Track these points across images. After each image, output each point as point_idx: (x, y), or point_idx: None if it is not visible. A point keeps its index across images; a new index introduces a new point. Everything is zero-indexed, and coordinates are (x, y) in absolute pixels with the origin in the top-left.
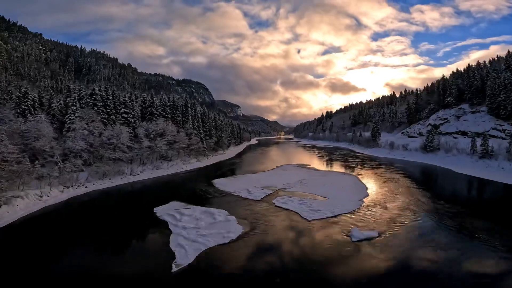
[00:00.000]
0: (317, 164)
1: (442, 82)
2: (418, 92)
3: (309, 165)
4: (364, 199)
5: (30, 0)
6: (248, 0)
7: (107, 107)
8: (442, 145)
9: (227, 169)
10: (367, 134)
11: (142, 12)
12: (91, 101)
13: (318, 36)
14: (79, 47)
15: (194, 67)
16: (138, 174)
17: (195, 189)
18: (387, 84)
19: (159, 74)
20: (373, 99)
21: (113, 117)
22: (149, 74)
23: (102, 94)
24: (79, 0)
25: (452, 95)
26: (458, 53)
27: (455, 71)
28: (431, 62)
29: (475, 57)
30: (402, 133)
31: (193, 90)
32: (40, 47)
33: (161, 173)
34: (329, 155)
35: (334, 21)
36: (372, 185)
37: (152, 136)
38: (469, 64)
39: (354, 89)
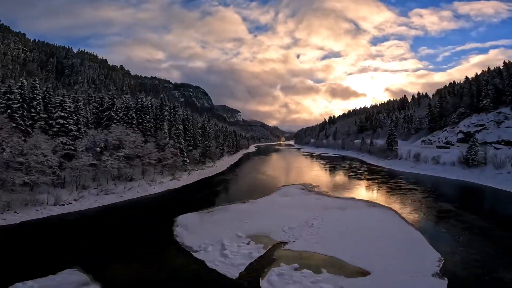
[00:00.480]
0: (327, 183)
1: (476, 82)
2: (443, 94)
3: (317, 186)
4: (442, 272)
5: (29, 4)
6: (246, 5)
7: (32, 110)
8: (490, 158)
9: (208, 191)
10: (379, 142)
11: (141, 16)
12: (3, 101)
13: (318, 41)
14: (67, 47)
15: (194, 72)
16: (70, 204)
17: (135, 238)
18: (387, 89)
19: (156, 77)
20: (373, 104)
21: (42, 123)
22: (145, 77)
23: (25, 93)
24: (77, 4)
25: (488, 97)
26: (457, 57)
27: (459, 75)
28: (431, 66)
29: (474, 61)
30: (422, 141)
31: (191, 94)
32: (20, 46)
33: (112, 200)
34: (338, 168)
35: (333, 26)
36: (429, 228)
37: (99, 149)
38: (509, 61)
39: (355, 94)
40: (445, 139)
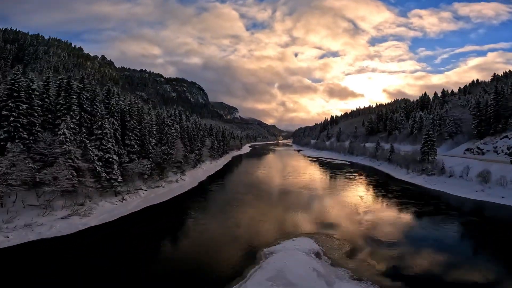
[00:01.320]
0: (350, 218)
1: None
2: (499, 88)
3: (333, 234)
4: None
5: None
6: (243, 2)
7: None
8: None
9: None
10: (403, 148)
11: (136, 11)
12: None
13: (316, 39)
14: (37, 34)
15: (190, 68)
16: None
17: None
18: (384, 91)
19: (145, 70)
20: (373, 105)
21: None
22: (132, 69)
23: None
24: None
25: None
26: (455, 60)
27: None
28: (429, 68)
29: (472, 64)
30: (467, 150)
31: (185, 89)
32: None
33: None
34: (357, 185)
35: (331, 25)
36: None
37: None
38: None
39: (352, 94)
40: (509, 148)
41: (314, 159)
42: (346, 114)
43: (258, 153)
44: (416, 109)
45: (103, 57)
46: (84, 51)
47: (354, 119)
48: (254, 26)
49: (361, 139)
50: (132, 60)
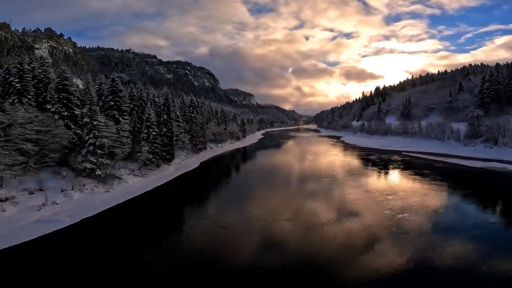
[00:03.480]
0: None
1: None
2: None
3: None
4: None
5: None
6: None
7: None
8: None
9: None
10: None
11: (131, 3)
12: None
13: (326, 22)
14: None
15: (197, 57)
16: None
17: None
18: (406, 71)
19: (130, 50)
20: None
21: None
22: (110, 49)
23: None
24: None
25: None
26: (480, 39)
27: None
28: (452, 47)
29: (499, 42)
30: None
31: (187, 72)
32: None
33: None
34: None
35: (341, 5)
36: None
37: None
38: None
39: (371, 76)
40: None
41: (377, 152)
42: (400, 83)
43: (268, 143)
44: None
45: (61, 34)
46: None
47: (414, 90)
48: (259, 11)
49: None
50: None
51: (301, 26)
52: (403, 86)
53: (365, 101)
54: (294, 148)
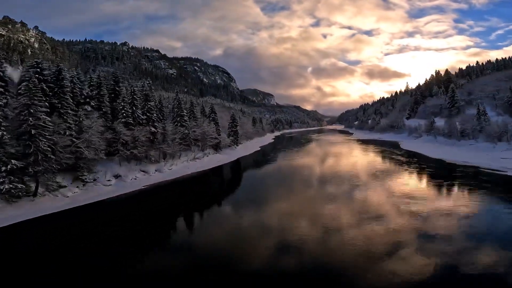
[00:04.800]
0: None
1: None
2: None
3: None
4: None
5: (36, 4)
6: None
7: None
8: None
9: None
10: None
11: (144, 6)
12: None
13: (343, 19)
14: None
15: (213, 58)
16: None
17: None
18: (434, 69)
19: (126, 43)
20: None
21: None
22: (99, 41)
23: None
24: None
25: None
26: None
27: None
28: (483, 44)
29: None
30: None
31: (196, 68)
32: None
33: None
34: None
35: (358, 2)
36: None
37: None
38: None
39: (396, 74)
40: None
41: None
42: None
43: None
44: None
45: (22, 23)
46: None
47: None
48: (272, 9)
49: None
50: None
51: (317, 24)
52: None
53: (419, 93)
54: (328, 185)
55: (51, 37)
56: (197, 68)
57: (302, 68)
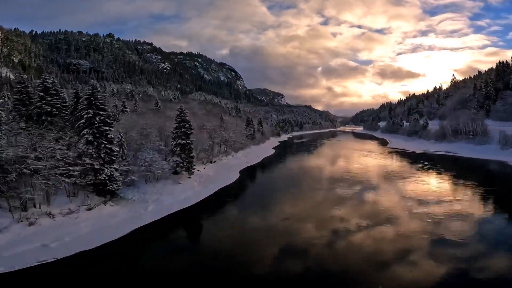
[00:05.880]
0: None
1: None
2: None
3: None
4: None
5: (42, 4)
6: None
7: None
8: None
9: None
10: None
11: (149, 5)
12: None
13: (353, 18)
14: None
15: (220, 57)
16: None
17: None
18: (450, 69)
19: (111, 34)
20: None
21: None
22: (75, 32)
23: None
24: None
25: None
26: None
27: None
28: (501, 43)
29: None
30: None
31: (196, 64)
32: None
33: None
34: None
35: (366, 1)
36: None
37: None
38: None
39: (410, 75)
40: None
41: None
42: None
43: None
44: None
45: None
46: None
47: None
48: (280, 7)
49: None
50: None
51: (325, 23)
52: None
53: (491, 83)
54: None
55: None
56: (198, 64)
57: (312, 68)
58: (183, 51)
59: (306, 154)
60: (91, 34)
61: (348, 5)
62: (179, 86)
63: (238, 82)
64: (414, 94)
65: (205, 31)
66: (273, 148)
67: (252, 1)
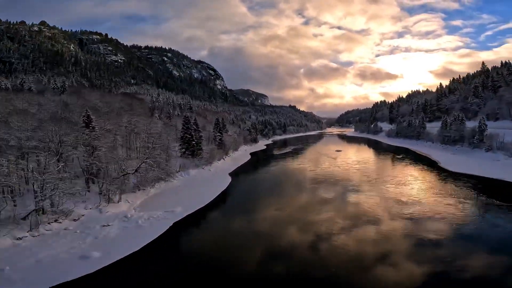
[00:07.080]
0: None
1: None
2: None
3: None
4: None
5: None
6: None
7: None
8: None
9: None
10: None
11: (124, 7)
12: None
13: (334, 20)
14: None
15: (201, 58)
16: None
17: None
18: (426, 70)
19: (44, 22)
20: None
21: None
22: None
23: None
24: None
25: None
26: (502, 36)
27: None
28: (473, 45)
29: None
30: None
31: (165, 59)
32: None
33: None
34: None
35: (346, 1)
36: None
37: None
38: None
39: (389, 76)
40: None
41: None
42: None
43: None
44: None
45: None
46: None
47: None
48: (261, 6)
49: None
50: None
51: (306, 23)
52: None
53: None
54: None
55: None
56: (166, 59)
57: (294, 69)
58: (151, 45)
59: (281, 198)
60: (16, 22)
61: (328, 6)
62: (133, 81)
63: (217, 81)
64: (418, 91)
65: (184, 32)
66: (235, 168)
67: (232, 1)
